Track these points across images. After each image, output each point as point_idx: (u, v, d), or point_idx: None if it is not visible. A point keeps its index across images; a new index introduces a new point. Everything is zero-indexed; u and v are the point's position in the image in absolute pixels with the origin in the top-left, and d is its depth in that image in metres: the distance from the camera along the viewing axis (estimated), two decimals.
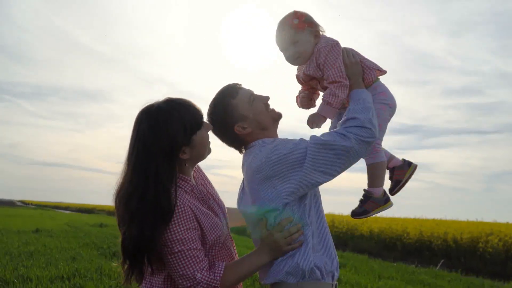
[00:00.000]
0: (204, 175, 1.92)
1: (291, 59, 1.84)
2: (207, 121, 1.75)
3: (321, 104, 1.77)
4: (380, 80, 1.89)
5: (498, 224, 17.14)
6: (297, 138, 1.71)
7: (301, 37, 1.78)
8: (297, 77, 1.94)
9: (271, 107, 1.83)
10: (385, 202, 1.93)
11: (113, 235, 14.29)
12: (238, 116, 1.75)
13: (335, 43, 1.79)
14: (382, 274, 8.43)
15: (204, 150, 1.72)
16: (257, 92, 1.83)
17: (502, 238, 12.85)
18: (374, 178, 1.89)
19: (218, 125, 1.78)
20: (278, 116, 1.84)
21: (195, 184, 1.74)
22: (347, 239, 16.78)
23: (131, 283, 1.61)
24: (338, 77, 1.73)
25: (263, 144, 1.74)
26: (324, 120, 1.80)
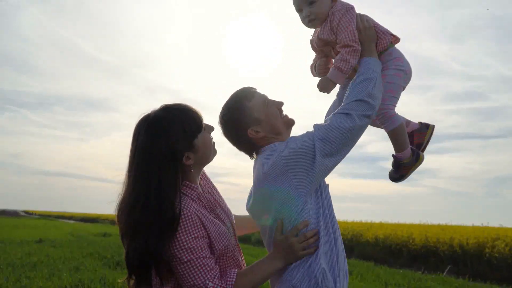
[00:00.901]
0: (211, 183, 1.88)
1: (306, 20, 1.82)
2: (208, 124, 1.73)
3: (331, 69, 1.77)
4: (395, 47, 1.87)
5: (504, 229, 17.03)
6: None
7: None
8: (311, 42, 1.94)
9: (284, 112, 1.82)
10: (416, 159, 1.93)
11: (116, 244, 14.29)
12: (253, 119, 1.73)
13: (350, 7, 1.79)
14: (388, 281, 8.37)
15: (208, 152, 1.69)
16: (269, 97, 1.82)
17: (508, 243, 12.74)
18: (398, 143, 1.87)
19: (231, 128, 1.77)
20: (292, 122, 1.83)
21: (201, 191, 1.71)
22: (352, 245, 16.67)
23: None
24: (351, 40, 1.72)
25: (275, 146, 1.72)
26: (334, 86, 1.81)
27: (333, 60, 1.91)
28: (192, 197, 1.64)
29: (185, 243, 1.51)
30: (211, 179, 1.90)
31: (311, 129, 1.70)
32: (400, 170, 1.94)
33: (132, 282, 1.56)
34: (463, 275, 10.78)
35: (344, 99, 1.71)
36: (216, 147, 1.75)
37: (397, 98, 1.84)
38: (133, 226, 1.51)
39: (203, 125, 1.68)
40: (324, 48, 1.89)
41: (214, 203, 1.75)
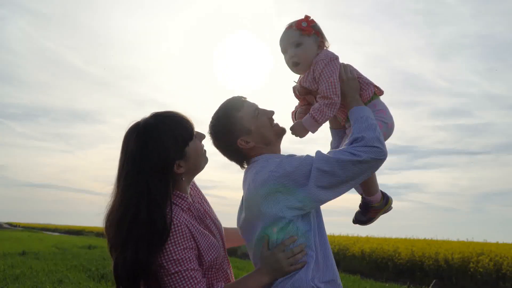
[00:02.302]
0: (201, 193, 1.85)
1: (290, 62, 1.79)
2: (199, 132, 1.70)
3: (307, 116, 1.73)
4: (380, 98, 1.85)
5: (489, 244, 17.12)
6: (303, 154, 1.68)
7: (305, 41, 1.75)
8: (294, 89, 1.90)
9: (275, 121, 1.80)
10: (386, 203, 1.91)
11: (101, 257, 14.05)
12: (242, 129, 1.71)
13: (334, 58, 1.75)
14: None
15: (200, 161, 1.66)
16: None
17: (492, 258, 12.81)
18: (369, 186, 1.84)
19: (220, 138, 1.75)
20: (282, 131, 1.81)
21: (192, 202, 1.69)
22: (339, 259, 16.62)
23: None
24: (330, 92, 1.68)
25: (267, 159, 1.71)
26: (307, 133, 1.76)
27: None
28: (182, 207, 1.62)
29: (173, 254, 1.48)
30: None
31: (301, 147, 1.69)
32: (369, 213, 1.91)
33: None
34: None
35: (348, 142, 1.65)
36: (209, 149, 1.73)
37: None
38: (122, 238, 1.47)
39: (194, 133, 1.65)
40: (306, 96, 1.87)
41: (204, 213, 1.72)
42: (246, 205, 1.70)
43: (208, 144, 1.77)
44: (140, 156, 1.51)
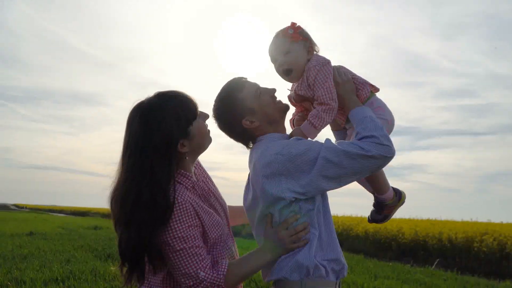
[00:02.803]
0: (205, 172, 1.87)
1: (280, 70, 1.76)
2: (203, 111, 1.70)
3: (305, 122, 1.72)
4: (376, 95, 1.84)
5: (493, 224, 17.21)
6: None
7: (293, 47, 1.73)
8: (289, 97, 1.87)
9: (278, 99, 1.79)
10: (399, 199, 1.91)
11: (107, 237, 14.23)
12: (246, 110, 1.71)
13: (326, 62, 1.73)
14: (378, 273, 8.44)
15: (204, 140, 1.67)
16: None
17: (496, 238, 12.89)
18: (380, 185, 1.84)
19: (225, 121, 1.75)
20: (286, 107, 1.80)
21: (196, 180, 1.70)
22: (342, 239, 16.76)
23: (132, 286, 1.58)
24: (327, 98, 1.67)
25: (273, 138, 1.71)
26: (306, 139, 1.74)
27: None
28: (186, 185, 1.63)
29: (178, 232, 1.50)
30: None
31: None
32: (384, 211, 1.91)
33: (125, 270, 1.55)
34: (452, 268, 10.89)
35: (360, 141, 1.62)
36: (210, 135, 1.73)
37: None
38: (126, 216, 1.50)
39: (198, 113, 1.65)
40: (303, 103, 1.86)
41: (208, 192, 1.74)
42: (251, 184, 1.72)
43: (212, 125, 1.77)
44: (143, 135, 1.53)
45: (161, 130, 1.53)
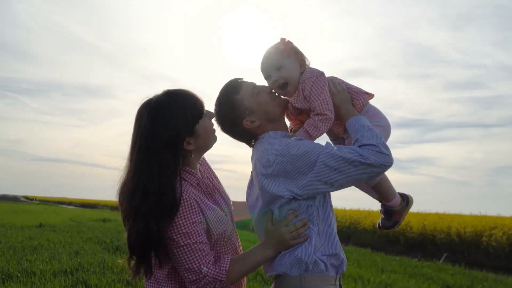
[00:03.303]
0: (210, 169, 1.90)
1: (276, 85, 1.76)
2: (210, 111, 1.73)
3: (301, 130, 1.73)
4: (370, 103, 1.85)
5: (502, 218, 17.12)
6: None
7: (286, 62, 1.74)
8: (286, 112, 1.88)
9: (276, 95, 1.80)
10: (407, 204, 1.92)
11: (116, 230, 14.38)
12: (245, 110, 1.73)
13: (320, 74, 1.74)
14: (385, 267, 8.47)
15: (209, 139, 1.70)
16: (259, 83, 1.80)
17: (506, 232, 12.85)
18: (386, 193, 1.86)
19: (226, 123, 1.77)
20: (285, 102, 1.81)
21: (201, 177, 1.73)
22: (350, 233, 16.80)
23: (140, 278, 1.61)
24: (324, 109, 1.68)
25: (274, 136, 1.73)
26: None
27: None
28: (191, 182, 1.66)
29: (182, 228, 1.53)
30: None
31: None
32: (393, 218, 1.92)
33: (132, 262, 1.58)
34: (460, 263, 10.88)
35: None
36: (216, 134, 1.76)
37: None
38: (135, 210, 1.53)
39: (205, 112, 1.68)
40: (299, 116, 1.87)
41: (213, 189, 1.77)
42: (254, 181, 1.75)
43: (216, 128, 1.79)
44: (151, 132, 1.56)
45: (169, 127, 1.56)
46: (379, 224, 2.01)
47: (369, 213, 19.34)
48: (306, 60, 1.80)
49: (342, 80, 1.82)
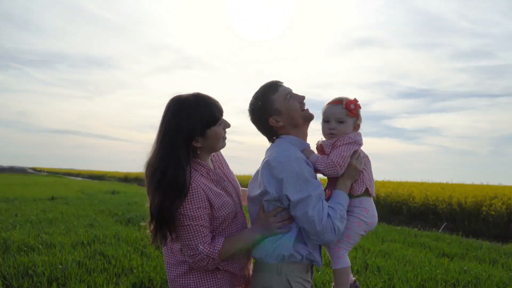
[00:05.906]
0: (223, 158, 2.17)
1: (328, 132, 1.98)
2: (227, 121, 1.96)
3: (315, 155, 1.95)
4: (370, 198, 1.99)
5: (503, 187, 17.25)
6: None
7: (348, 120, 1.96)
8: (317, 144, 2.07)
9: (306, 107, 2.01)
10: None
11: (125, 202, 14.66)
12: (274, 110, 1.96)
13: (357, 142, 1.93)
14: (385, 237, 8.72)
15: (215, 144, 1.95)
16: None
17: (505, 202, 13.03)
18: (339, 283, 1.96)
19: (255, 115, 2.02)
20: (310, 117, 2.02)
21: (212, 167, 2.00)
22: None
23: (158, 243, 1.87)
24: (339, 161, 1.88)
25: (290, 141, 1.97)
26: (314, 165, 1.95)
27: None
28: (201, 172, 1.93)
29: (188, 211, 1.81)
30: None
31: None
32: None
33: (152, 226, 1.85)
34: (459, 232, 11.13)
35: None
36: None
37: (352, 244, 1.97)
38: (155, 186, 1.82)
39: (220, 120, 1.93)
40: (319, 152, 2.04)
41: (222, 176, 2.04)
42: (258, 173, 1.99)
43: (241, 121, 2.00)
44: (173, 124, 1.85)
45: (187, 126, 1.84)
46: None
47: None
48: (360, 125, 2.02)
49: (370, 163, 2.03)
